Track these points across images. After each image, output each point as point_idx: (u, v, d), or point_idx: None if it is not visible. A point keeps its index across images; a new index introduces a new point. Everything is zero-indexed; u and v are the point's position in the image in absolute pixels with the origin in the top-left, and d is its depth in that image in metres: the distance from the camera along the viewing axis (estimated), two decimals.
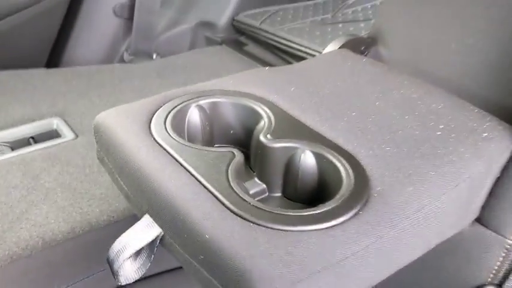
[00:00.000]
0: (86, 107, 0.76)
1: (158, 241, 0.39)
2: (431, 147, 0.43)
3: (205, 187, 0.38)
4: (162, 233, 0.39)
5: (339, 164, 0.41)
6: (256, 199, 0.41)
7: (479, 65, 0.53)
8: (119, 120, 0.46)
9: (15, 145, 0.73)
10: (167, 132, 0.45)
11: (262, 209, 0.36)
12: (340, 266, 0.34)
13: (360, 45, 0.65)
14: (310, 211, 0.36)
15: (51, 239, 0.54)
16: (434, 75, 0.57)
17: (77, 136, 0.74)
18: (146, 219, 0.40)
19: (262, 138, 0.44)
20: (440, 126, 0.46)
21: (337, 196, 0.38)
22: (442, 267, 0.49)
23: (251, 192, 0.43)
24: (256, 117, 0.48)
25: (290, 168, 0.44)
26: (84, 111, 0.76)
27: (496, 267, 0.44)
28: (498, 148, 0.44)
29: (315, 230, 0.35)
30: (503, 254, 0.44)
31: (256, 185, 0.44)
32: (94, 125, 0.47)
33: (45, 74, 0.96)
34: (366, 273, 0.37)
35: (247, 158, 0.48)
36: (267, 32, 1.06)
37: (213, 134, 0.51)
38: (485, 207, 0.46)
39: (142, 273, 0.40)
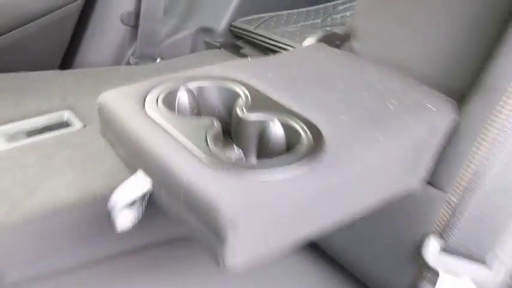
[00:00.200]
0: (94, 102, 0.84)
1: (149, 193, 0.47)
2: (382, 117, 0.50)
3: (186, 147, 0.45)
4: (152, 185, 0.47)
5: (300, 130, 0.48)
6: None
7: (437, 54, 0.60)
8: (118, 99, 0.54)
9: (30, 134, 0.81)
10: (157, 107, 0.52)
11: (230, 161, 0.43)
12: (290, 206, 0.41)
13: (334, 40, 0.73)
14: (269, 161, 0.43)
15: (61, 206, 0.62)
16: (400, 65, 0.64)
17: (85, 125, 0.82)
18: (139, 173, 0.48)
19: (239, 112, 0.52)
20: (393, 101, 0.53)
21: (295, 151, 0.45)
22: (395, 221, 0.56)
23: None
24: (236, 97, 0.55)
25: (262, 136, 0.51)
26: (92, 105, 0.84)
27: (439, 219, 0.51)
28: (441, 118, 0.51)
29: (274, 173, 0.42)
30: (446, 207, 0.51)
31: (234, 151, 0.51)
32: (97, 103, 0.55)
33: (58, 75, 1.04)
34: (313, 214, 0.44)
35: (229, 133, 0.56)
36: (261, 35, 1.14)
37: (200, 114, 0.58)
38: (432, 169, 0.53)
39: (136, 221, 0.47)
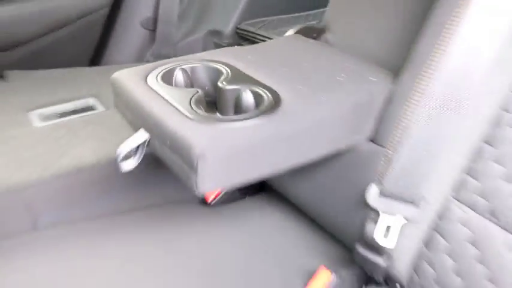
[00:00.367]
0: None
1: (146, 143, 0.60)
2: (331, 86, 0.62)
3: (174, 107, 0.59)
4: (149, 137, 0.60)
5: (264, 95, 0.60)
6: None
7: (386, 40, 0.72)
8: (127, 76, 0.68)
9: (62, 115, 0.96)
10: (157, 81, 0.66)
11: (204, 116, 0.56)
12: (248, 148, 0.54)
13: (311, 32, 0.85)
14: (234, 116, 0.56)
15: (83, 167, 0.76)
16: (361, 51, 0.76)
17: (107, 109, 0.97)
18: (140, 130, 0.61)
19: (220, 85, 0.65)
20: (343, 75, 0.65)
21: (257, 109, 0.57)
22: (346, 172, 0.67)
23: None
24: (220, 74, 0.68)
25: (237, 102, 0.63)
26: None
27: (379, 170, 0.62)
28: (380, 87, 0.63)
29: (236, 123, 0.54)
30: (384, 160, 0.62)
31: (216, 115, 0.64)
32: (111, 80, 0.69)
33: (87, 71, 1.20)
34: (270, 157, 0.56)
35: (215, 104, 0.69)
36: (262, 36, 1.28)
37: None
38: (374, 129, 0.64)
39: (136, 164, 0.61)
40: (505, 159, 0.55)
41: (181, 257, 0.73)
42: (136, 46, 1.35)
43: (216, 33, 1.38)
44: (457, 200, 0.59)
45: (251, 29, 1.33)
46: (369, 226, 0.64)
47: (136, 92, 0.63)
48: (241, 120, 0.55)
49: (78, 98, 1.02)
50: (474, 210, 0.58)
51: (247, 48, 0.77)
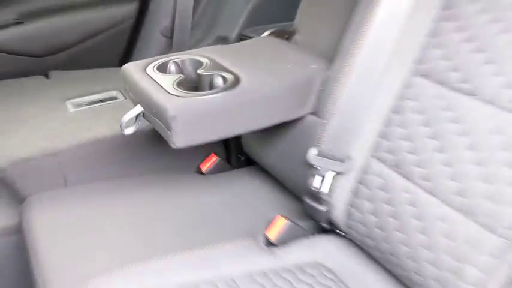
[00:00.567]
0: None
1: (142, 114, 0.80)
2: (280, 71, 0.80)
3: (161, 87, 0.78)
4: (143, 110, 0.80)
5: (229, 78, 0.79)
6: None
7: (334, 38, 0.89)
8: (132, 67, 0.88)
9: (90, 103, 1.18)
10: (153, 70, 0.86)
11: (182, 92, 0.76)
12: (211, 113, 0.72)
13: (284, 34, 1.03)
14: (202, 92, 0.75)
15: (102, 138, 0.98)
16: (318, 48, 0.93)
17: (125, 99, 1.19)
18: (138, 106, 0.81)
19: (199, 71, 0.84)
20: (291, 64, 0.83)
21: (222, 87, 0.76)
22: (298, 140, 0.85)
23: None
24: (201, 64, 0.88)
25: (211, 84, 0.82)
26: None
27: (317, 136, 0.79)
28: (318, 72, 0.81)
29: (202, 97, 0.73)
30: (321, 128, 0.79)
31: None
32: (121, 70, 0.89)
33: (113, 70, 1.43)
34: (229, 122, 0.75)
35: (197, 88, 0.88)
36: None
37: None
38: (314, 104, 0.82)
39: (135, 130, 0.81)
40: (405, 124, 0.71)
41: (176, 207, 0.92)
42: (156, 51, 1.56)
43: (223, 38, 1.57)
44: (374, 158, 0.75)
45: (253, 35, 1.52)
46: (310, 180, 0.81)
47: (136, 77, 0.84)
48: (207, 94, 0.74)
49: (104, 91, 1.24)
50: (385, 164, 0.74)
51: (228, 46, 0.96)
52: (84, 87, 1.27)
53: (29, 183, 0.94)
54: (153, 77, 0.82)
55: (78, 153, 0.97)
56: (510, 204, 0.57)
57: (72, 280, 0.73)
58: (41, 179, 0.95)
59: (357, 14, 0.78)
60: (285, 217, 0.86)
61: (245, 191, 1.00)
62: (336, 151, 0.78)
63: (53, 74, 1.37)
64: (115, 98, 1.21)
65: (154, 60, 0.90)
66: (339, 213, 0.80)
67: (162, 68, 0.88)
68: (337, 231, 0.83)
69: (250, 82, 0.77)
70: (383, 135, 0.74)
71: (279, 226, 0.85)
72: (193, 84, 0.86)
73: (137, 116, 0.80)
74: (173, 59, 0.90)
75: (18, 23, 1.35)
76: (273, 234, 0.84)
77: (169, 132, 0.72)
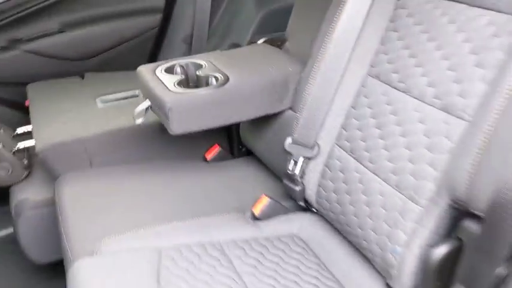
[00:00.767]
0: None
1: (150, 107, 0.97)
2: (262, 72, 0.95)
3: (165, 85, 0.95)
4: (150, 104, 0.97)
5: (220, 77, 0.95)
6: None
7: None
8: (144, 69, 1.05)
9: (117, 100, 1.37)
10: (161, 72, 1.02)
11: (181, 89, 0.92)
12: (204, 106, 0.88)
13: (276, 42, 1.18)
14: (198, 88, 0.91)
15: (123, 127, 1.15)
16: (303, 55, 1.07)
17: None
18: (146, 100, 0.98)
19: (197, 73, 1.00)
20: (273, 66, 0.97)
21: (213, 85, 0.92)
22: (280, 131, 0.98)
23: None
24: (201, 67, 1.04)
25: (207, 83, 0.98)
26: None
27: (293, 127, 0.93)
28: (293, 73, 0.95)
29: (194, 92, 0.89)
30: (296, 120, 0.93)
31: None
32: (137, 71, 1.06)
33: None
34: (219, 113, 0.90)
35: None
36: None
37: (188, 78, 1.07)
38: (292, 100, 0.96)
39: (143, 120, 0.98)
40: (359, 117, 0.84)
41: (181, 186, 1.08)
42: (177, 56, 1.71)
43: (236, 45, 1.73)
44: (337, 145, 0.89)
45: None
46: (287, 164, 0.95)
47: (146, 77, 1.01)
48: (199, 91, 0.90)
49: (128, 90, 1.42)
50: (344, 150, 0.87)
51: (226, 51, 1.12)
52: (112, 87, 1.45)
53: (62, 164, 1.13)
54: (159, 77, 0.99)
55: (102, 141, 1.15)
56: (429, 180, 0.70)
57: (90, 237, 0.90)
58: (71, 161, 1.14)
59: (325, 25, 0.91)
60: (269, 196, 1.00)
61: (240, 175, 1.15)
62: (306, 139, 0.92)
63: (88, 75, 1.57)
64: (136, 96, 1.39)
65: (163, 64, 1.07)
66: (310, 193, 0.94)
67: (170, 70, 1.04)
68: (312, 209, 0.97)
69: (237, 81, 0.93)
70: (344, 126, 0.87)
71: (263, 203, 0.99)
72: (195, 83, 1.02)
73: (146, 108, 0.97)
74: (179, 62, 1.06)
75: (60, 31, 1.56)
76: (257, 209, 0.98)
77: (168, 121, 0.88)
